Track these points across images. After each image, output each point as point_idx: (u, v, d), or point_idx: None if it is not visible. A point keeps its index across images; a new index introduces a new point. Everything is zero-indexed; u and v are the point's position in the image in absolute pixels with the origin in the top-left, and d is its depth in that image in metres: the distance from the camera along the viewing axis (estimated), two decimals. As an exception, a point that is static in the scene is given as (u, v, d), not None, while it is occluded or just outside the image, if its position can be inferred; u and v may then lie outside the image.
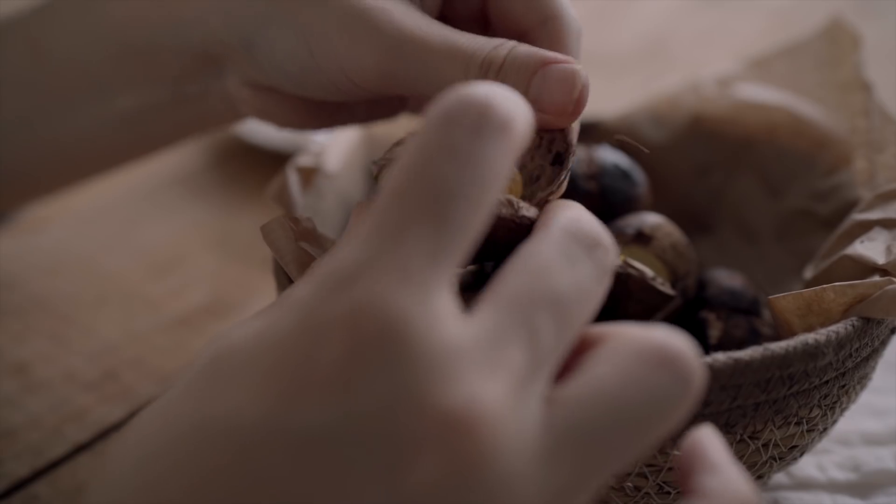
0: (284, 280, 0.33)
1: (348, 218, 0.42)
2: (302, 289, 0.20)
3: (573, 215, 0.23)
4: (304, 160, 0.40)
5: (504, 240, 0.26)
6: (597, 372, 0.20)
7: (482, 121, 0.20)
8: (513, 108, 0.21)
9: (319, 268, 0.20)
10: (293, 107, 0.36)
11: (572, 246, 0.21)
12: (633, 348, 0.20)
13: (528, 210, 0.27)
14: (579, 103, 0.29)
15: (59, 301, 0.51)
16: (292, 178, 0.38)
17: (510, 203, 0.27)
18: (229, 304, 0.51)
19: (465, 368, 0.18)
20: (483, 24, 0.35)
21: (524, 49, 0.30)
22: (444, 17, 0.36)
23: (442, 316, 0.19)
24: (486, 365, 0.19)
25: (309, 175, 0.40)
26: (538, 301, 0.20)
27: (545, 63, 0.29)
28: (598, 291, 0.22)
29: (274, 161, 0.61)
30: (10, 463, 0.41)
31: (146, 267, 0.55)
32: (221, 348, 0.20)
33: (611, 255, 0.22)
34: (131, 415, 0.44)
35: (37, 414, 0.43)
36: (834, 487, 0.38)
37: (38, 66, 0.41)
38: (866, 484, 0.38)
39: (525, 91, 0.29)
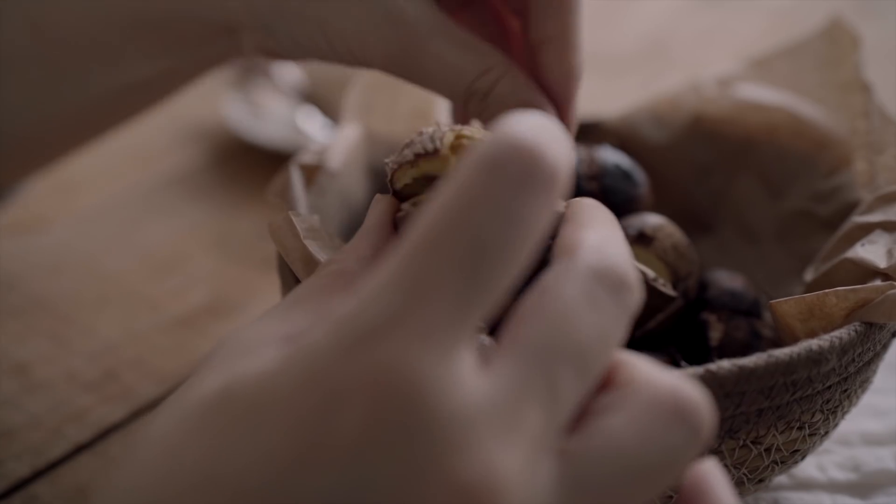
0: (290, 278, 0.33)
1: (350, 217, 0.42)
2: (319, 335, 0.19)
3: (600, 245, 0.21)
4: (306, 158, 0.40)
5: None
6: (611, 424, 0.20)
7: (529, 173, 0.19)
8: (559, 155, 0.20)
9: (339, 312, 0.19)
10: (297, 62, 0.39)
11: (598, 288, 0.20)
12: (649, 399, 0.20)
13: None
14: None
15: (60, 301, 0.51)
16: (295, 176, 0.38)
17: None
18: (229, 304, 0.51)
19: (482, 436, 0.18)
20: None
21: (509, 85, 0.32)
22: None
23: (463, 379, 0.18)
24: (505, 429, 0.18)
25: (311, 173, 0.40)
26: (560, 354, 0.19)
27: (524, 104, 0.32)
28: (620, 334, 0.21)
29: (274, 161, 0.61)
30: (11, 463, 0.40)
31: (146, 267, 0.55)
32: (233, 388, 0.20)
33: (636, 294, 0.21)
34: (132, 415, 0.44)
35: (37, 414, 0.43)
36: (834, 487, 0.38)
37: (40, 41, 0.41)
38: (866, 484, 0.38)
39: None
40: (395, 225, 0.29)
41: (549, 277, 0.20)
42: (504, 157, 0.19)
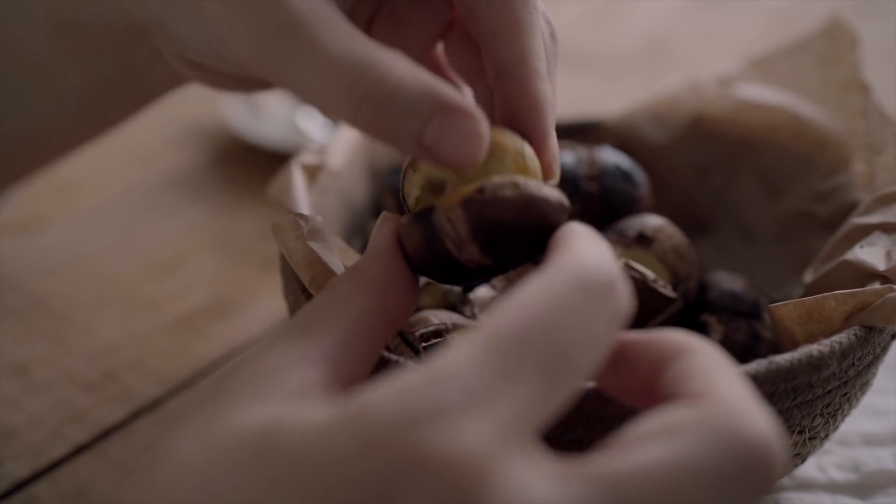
0: (292, 278, 0.33)
1: (351, 217, 0.42)
2: (382, 399, 0.19)
3: (581, 258, 0.22)
4: (307, 158, 0.40)
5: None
6: (655, 457, 0.19)
7: (612, 299, 0.21)
8: (625, 289, 0.22)
9: (409, 380, 0.19)
10: (229, 80, 0.34)
11: (581, 297, 0.21)
12: (729, 439, 0.19)
13: (544, 190, 0.26)
14: (482, 155, 0.26)
15: (60, 302, 0.51)
16: (297, 176, 0.38)
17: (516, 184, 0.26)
18: (229, 304, 0.51)
19: None
20: None
21: (415, 84, 0.25)
22: None
23: (531, 482, 0.18)
24: None
25: (313, 173, 0.40)
26: (558, 373, 0.20)
27: (442, 107, 0.25)
28: (610, 338, 0.22)
29: (274, 161, 0.61)
30: (11, 463, 0.41)
31: (146, 267, 0.55)
32: (277, 433, 0.19)
33: (626, 299, 0.22)
34: (132, 415, 0.44)
35: (37, 415, 0.43)
36: (834, 488, 0.38)
37: None
38: (866, 484, 0.38)
39: (415, 137, 0.25)
40: (400, 240, 0.27)
41: (542, 292, 0.21)
42: (596, 277, 0.21)
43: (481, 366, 0.19)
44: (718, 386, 0.21)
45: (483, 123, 0.26)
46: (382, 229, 0.27)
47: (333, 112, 0.27)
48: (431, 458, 0.18)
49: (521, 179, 0.26)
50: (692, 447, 0.19)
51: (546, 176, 0.29)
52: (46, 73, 0.39)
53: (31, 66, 0.39)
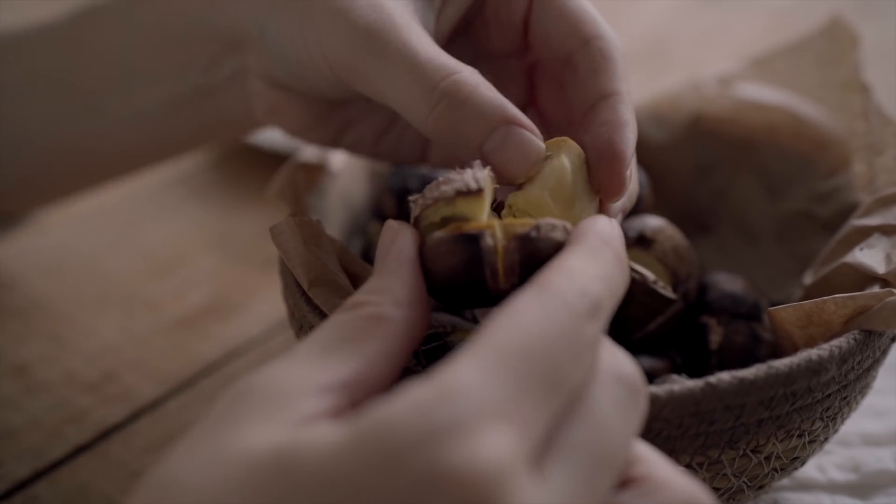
0: (291, 281, 0.33)
1: (351, 217, 0.42)
2: (396, 415, 0.19)
3: (613, 350, 0.24)
4: (307, 158, 0.40)
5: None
6: None
7: (594, 320, 0.22)
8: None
9: (420, 394, 0.19)
10: (301, 107, 0.36)
11: (622, 392, 0.22)
12: (666, 502, 0.22)
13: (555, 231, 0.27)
14: (534, 170, 0.29)
15: (60, 302, 0.51)
16: (297, 177, 0.38)
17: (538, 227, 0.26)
18: (229, 304, 0.51)
19: None
20: (522, 48, 0.35)
21: (489, 94, 0.29)
22: (474, 36, 0.35)
23: (534, 494, 0.19)
24: None
25: (312, 174, 0.40)
26: (603, 465, 0.21)
27: (508, 120, 0.28)
28: (637, 432, 0.23)
29: (274, 161, 0.61)
30: (11, 464, 0.41)
31: (146, 268, 0.55)
32: (291, 457, 0.19)
33: (646, 397, 0.23)
34: (132, 416, 0.44)
35: (37, 415, 0.43)
36: (834, 488, 0.38)
37: (76, 64, 0.41)
38: (866, 485, 0.38)
39: (478, 141, 0.29)
40: (423, 256, 0.27)
41: (587, 389, 0.22)
42: (581, 308, 0.22)
43: (492, 380, 0.20)
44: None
45: (540, 144, 0.29)
46: (403, 245, 0.26)
47: (410, 110, 0.30)
48: (453, 474, 0.18)
49: (570, 225, 0.26)
50: None
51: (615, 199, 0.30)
52: (134, 87, 0.40)
53: (123, 77, 0.40)
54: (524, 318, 0.21)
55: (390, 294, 0.25)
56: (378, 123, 0.38)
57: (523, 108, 0.36)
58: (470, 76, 0.29)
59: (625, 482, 0.22)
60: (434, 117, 0.29)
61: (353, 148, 0.38)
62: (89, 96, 0.41)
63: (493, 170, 0.28)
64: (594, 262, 0.24)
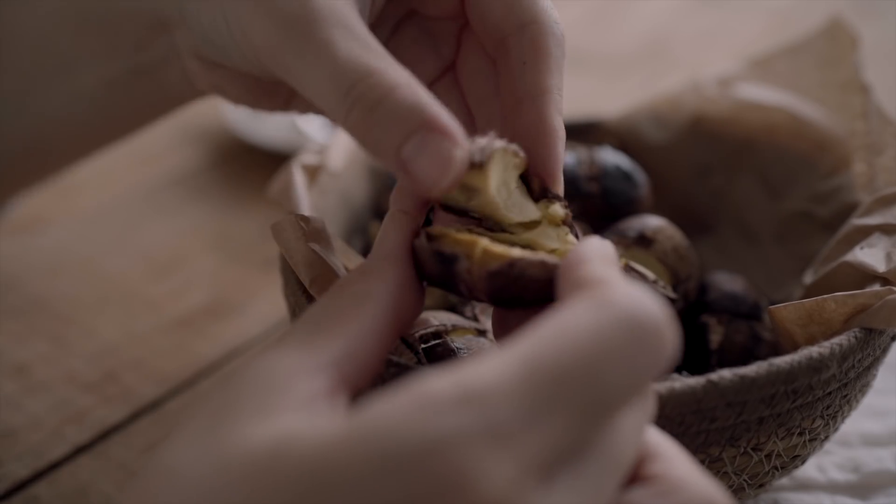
0: (292, 278, 0.33)
1: (351, 217, 0.42)
2: (398, 412, 0.18)
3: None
4: (308, 158, 0.40)
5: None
6: None
7: (658, 347, 0.20)
8: (673, 335, 0.21)
9: (429, 388, 0.19)
10: (240, 83, 0.35)
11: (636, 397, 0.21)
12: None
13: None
14: (452, 182, 0.26)
15: (60, 302, 0.51)
16: (298, 176, 0.38)
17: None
18: (229, 304, 0.51)
19: None
20: (458, 15, 0.34)
21: (406, 97, 0.26)
22: (414, 14, 0.34)
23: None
24: None
25: (313, 173, 0.40)
26: (611, 471, 0.20)
27: (426, 125, 0.25)
28: (645, 431, 0.22)
29: (274, 161, 0.61)
30: (11, 464, 0.40)
31: (146, 268, 0.54)
32: (288, 449, 0.19)
33: (654, 394, 0.23)
34: (132, 416, 0.44)
35: (37, 415, 0.43)
36: (834, 488, 0.38)
37: (8, 49, 0.40)
38: (866, 485, 0.38)
39: (396, 148, 0.26)
40: (413, 251, 0.27)
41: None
42: (647, 324, 0.20)
43: (517, 396, 0.18)
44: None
45: (460, 151, 0.26)
46: (395, 233, 0.27)
47: (330, 111, 0.28)
48: (455, 490, 0.17)
49: (549, 258, 0.26)
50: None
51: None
52: (65, 71, 0.39)
53: (51, 63, 0.40)
54: (572, 329, 0.20)
55: (378, 274, 0.25)
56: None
57: (445, 69, 0.35)
58: (387, 77, 0.26)
59: (638, 479, 0.22)
60: (350, 125, 0.27)
61: (306, 111, 0.37)
62: (24, 82, 0.40)
63: (413, 182, 0.26)
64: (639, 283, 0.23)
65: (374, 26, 0.34)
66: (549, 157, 0.29)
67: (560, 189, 0.30)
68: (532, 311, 0.26)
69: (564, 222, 0.29)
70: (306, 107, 0.37)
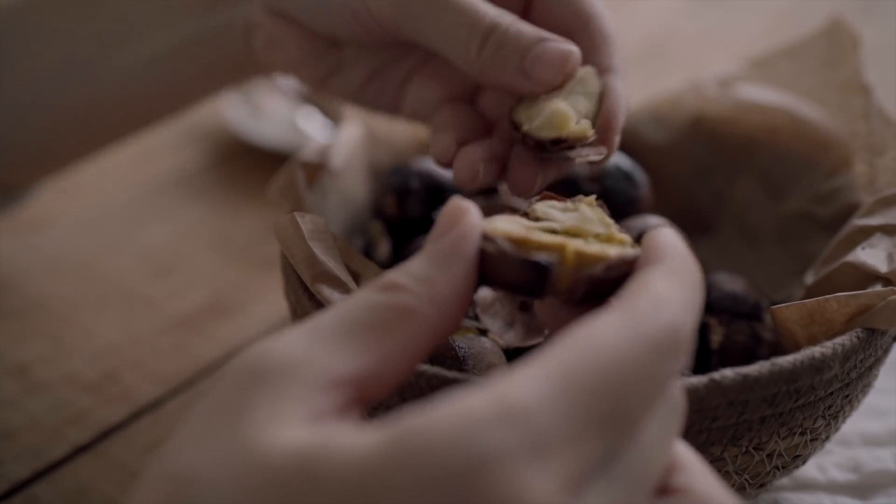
0: (293, 277, 0.33)
1: (351, 216, 0.42)
2: (438, 430, 0.18)
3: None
4: (308, 157, 0.40)
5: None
6: None
7: (681, 356, 0.21)
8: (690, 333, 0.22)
9: (469, 407, 0.18)
10: (299, 40, 0.38)
11: (668, 411, 0.22)
12: None
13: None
14: (567, 76, 0.33)
15: (60, 302, 0.51)
16: (298, 176, 0.38)
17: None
18: (229, 304, 0.51)
19: None
20: (523, 13, 0.37)
21: (525, 25, 0.33)
22: None
23: None
24: None
25: (313, 172, 0.40)
26: (643, 483, 0.20)
27: (542, 39, 0.33)
28: (674, 443, 0.22)
29: (274, 161, 0.61)
30: (11, 464, 0.40)
31: (146, 268, 0.54)
32: (320, 465, 0.18)
33: (688, 353, 0.22)
34: (132, 416, 0.44)
35: (37, 415, 0.43)
36: (834, 488, 0.38)
37: (84, 13, 0.42)
38: (866, 485, 0.38)
39: (521, 62, 0.33)
40: (481, 258, 0.24)
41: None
42: (673, 342, 0.21)
43: (555, 411, 0.18)
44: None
45: (574, 48, 0.33)
46: (464, 236, 0.24)
47: (457, 47, 0.34)
48: None
49: (632, 254, 0.25)
50: None
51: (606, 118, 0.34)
52: (140, 34, 0.41)
53: (130, 24, 0.41)
54: (603, 343, 0.20)
55: (431, 287, 0.22)
56: (365, 71, 0.39)
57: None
58: (505, 18, 0.34)
59: (663, 490, 0.21)
60: (483, 59, 0.33)
61: (337, 91, 0.39)
62: (97, 45, 0.41)
63: (534, 82, 0.33)
64: (680, 287, 0.22)
65: None
66: (616, 120, 0.34)
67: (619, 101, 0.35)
68: (589, 307, 0.25)
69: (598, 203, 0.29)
70: (342, 85, 0.39)
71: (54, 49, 0.42)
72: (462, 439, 0.18)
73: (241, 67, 0.41)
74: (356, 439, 0.18)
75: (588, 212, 0.28)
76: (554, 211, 0.28)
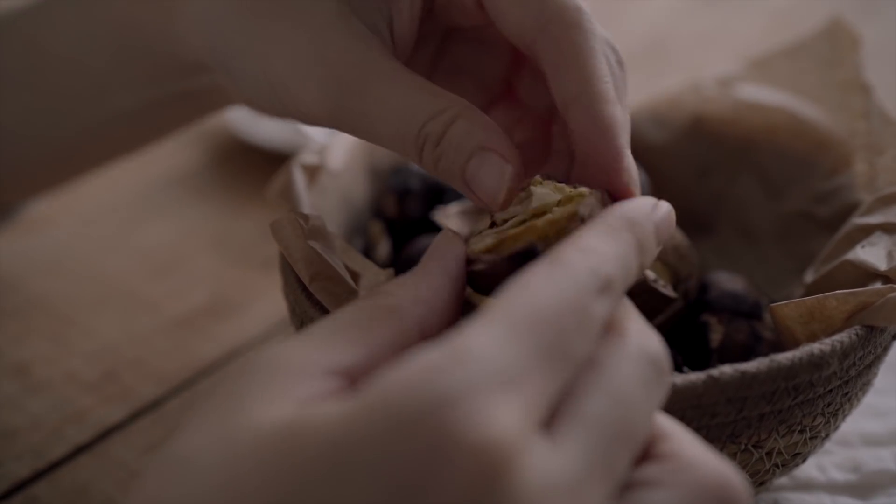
0: (292, 277, 0.33)
1: (351, 216, 0.42)
2: (403, 381, 0.19)
3: (643, 329, 0.23)
4: (308, 158, 0.40)
5: None
6: (656, 500, 0.21)
7: (606, 297, 0.22)
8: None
9: (429, 359, 0.19)
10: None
11: (648, 370, 0.22)
12: (696, 481, 0.21)
13: None
14: (508, 196, 0.29)
15: (60, 302, 0.51)
16: (298, 176, 0.38)
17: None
18: (229, 304, 0.51)
19: None
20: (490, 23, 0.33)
21: (463, 127, 0.29)
22: (439, 13, 0.34)
23: (547, 462, 0.19)
24: None
25: (312, 173, 0.40)
26: (620, 433, 0.21)
27: (482, 147, 0.28)
28: (658, 409, 0.23)
29: (274, 161, 0.61)
30: (11, 464, 0.40)
31: (146, 267, 0.55)
32: (300, 430, 0.19)
33: (670, 376, 0.23)
34: (132, 415, 0.44)
35: (37, 415, 0.43)
36: (834, 488, 0.38)
37: (36, 65, 0.41)
38: (866, 485, 0.38)
39: (461, 172, 0.29)
40: (477, 281, 0.27)
41: (606, 355, 0.22)
42: (592, 284, 0.22)
43: (504, 346, 0.20)
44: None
45: (510, 167, 0.28)
46: (447, 253, 0.26)
47: (402, 153, 0.30)
48: (465, 442, 0.18)
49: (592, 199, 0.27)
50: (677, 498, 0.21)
51: (624, 197, 0.29)
52: (103, 94, 0.40)
53: (89, 85, 0.40)
54: (535, 289, 0.21)
55: (416, 290, 0.25)
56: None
57: (505, 82, 0.35)
58: (445, 114, 0.29)
59: (650, 457, 0.22)
60: (424, 160, 0.30)
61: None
62: (60, 100, 0.41)
63: (476, 199, 0.29)
64: (611, 243, 0.23)
65: (416, 49, 0.34)
66: (608, 154, 0.29)
67: (633, 184, 0.29)
68: None
69: (547, 178, 0.29)
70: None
71: (14, 94, 0.41)
72: (421, 386, 0.19)
73: (224, 106, 0.41)
74: (335, 406, 0.19)
75: (539, 190, 0.29)
76: (512, 207, 0.29)
